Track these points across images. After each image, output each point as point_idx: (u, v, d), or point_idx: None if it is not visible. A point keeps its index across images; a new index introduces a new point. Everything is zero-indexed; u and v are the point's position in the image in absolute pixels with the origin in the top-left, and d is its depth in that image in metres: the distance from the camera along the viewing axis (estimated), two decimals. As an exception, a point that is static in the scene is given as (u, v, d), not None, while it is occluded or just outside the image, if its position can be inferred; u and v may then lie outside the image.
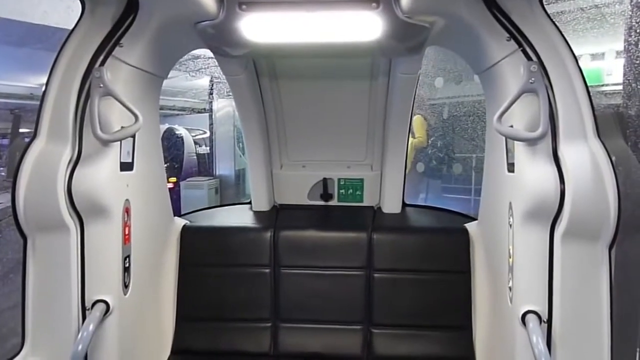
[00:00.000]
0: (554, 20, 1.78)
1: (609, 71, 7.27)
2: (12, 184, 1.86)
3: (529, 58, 1.81)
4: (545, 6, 1.77)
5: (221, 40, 2.11)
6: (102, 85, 1.89)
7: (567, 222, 1.74)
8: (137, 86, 2.13)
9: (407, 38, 2.04)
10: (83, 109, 1.94)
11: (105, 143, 1.97)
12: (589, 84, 1.76)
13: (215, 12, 1.93)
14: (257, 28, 2.01)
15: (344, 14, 1.92)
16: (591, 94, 1.76)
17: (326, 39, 2.09)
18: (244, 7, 1.92)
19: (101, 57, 1.93)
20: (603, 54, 7.26)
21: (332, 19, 1.95)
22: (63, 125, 1.91)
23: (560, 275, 1.78)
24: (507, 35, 1.85)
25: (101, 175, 1.96)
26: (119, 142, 2.02)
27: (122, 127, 1.99)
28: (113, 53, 1.96)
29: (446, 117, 9.28)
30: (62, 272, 1.94)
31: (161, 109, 2.51)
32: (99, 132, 1.89)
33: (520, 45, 1.83)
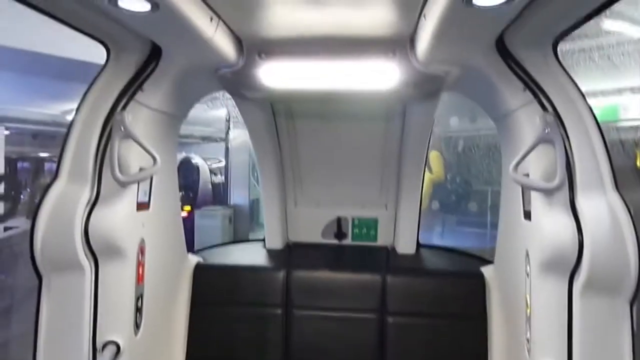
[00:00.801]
0: (568, 71, 1.79)
1: (626, 107, 7.24)
2: (31, 225, 1.89)
3: (544, 108, 1.82)
4: (568, 42, 1.78)
5: (240, 85, 2.16)
6: (122, 128, 1.94)
7: (587, 275, 1.70)
8: (156, 128, 2.17)
9: (423, 86, 2.06)
10: (103, 151, 1.98)
11: (124, 184, 2.00)
12: (606, 120, 1.75)
13: (235, 59, 1.98)
14: (275, 75, 2.06)
15: (360, 63, 1.96)
16: (608, 129, 1.75)
17: (343, 86, 2.12)
18: (263, 55, 1.98)
19: (123, 101, 1.98)
20: (623, 89, 7.23)
21: (349, 68, 1.99)
22: (83, 167, 1.95)
23: (580, 329, 1.73)
24: (523, 85, 1.86)
25: (118, 216, 1.98)
26: (136, 183, 2.06)
27: (140, 169, 2.03)
28: (135, 97, 2.01)
29: (461, 150, 9.26)
30: (75, 312, 1.94)
31: (178, 137, 2.56)
32: (118, 174, 1.93)
33: (535, 95, 1.84)
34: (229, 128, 10.15)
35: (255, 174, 9.74)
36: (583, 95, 1.77)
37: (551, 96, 1.80)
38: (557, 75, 1.80)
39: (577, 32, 1.71)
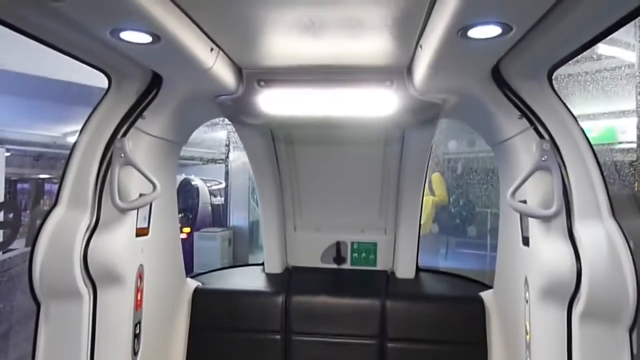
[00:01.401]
0: (564, 100, 1.82)
1: (623, 129, 7.30)
2: (30, 251, 1.89)
3: (541, 136, 1.84)
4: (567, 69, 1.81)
5: (239, 112, 2.19)
6: (123, 155, 1.95)
7: (585, 303, 1.69)
8: (156, 154, 2.19)
9: (420, 113, 2.09)
10: (103, 178, 1.99)
11: (123, 211, 2.00)
12: (604, 142, 1.77)
13: (234, 87, 2.01)
14: (274, 102, 2.09)
15: (358, 91, 1.99)
16: (606, 150, 1.76)
17: (341, 113, 2.16)
18: (262, 83, 2.01)
19: (124, 128, 2.00)
20: (619, 112, 7.31)
21: (347, 95, 2.02)
22: (83, 193, 1.96)
23: (580, 357, 1.72)
24: (519, 113, 1.88)
25: (117, 242, 1.98)
26: (136, 209, 2.06)
27: (140, 195, 2.03)
28: (135, 124, 2.03)
29: (460, 172, 9.28)
30: (72, 339, 1.93)
31: (179, 158, 2.58)
32: (117, 200, 1.93)
33: (532, 123, 1.86)
34: (228, 150, 10.19)
35: (255, 196, 9.75)
36: (578, 123, 1.79)
37: (547, 124, 1.82)
38: (553, 104, 1.83)
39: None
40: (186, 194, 10.23)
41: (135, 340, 2.13)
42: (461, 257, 9.72)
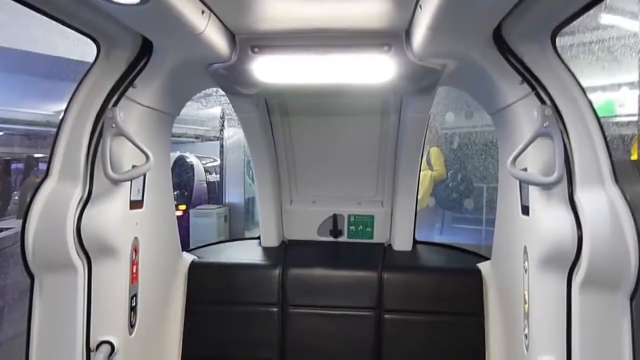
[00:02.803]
0: (567, 63, 1.77)
1: (621, 102, 7.26)
2: (22, 223, 1.85)
3: (542, 101, 1.80)
4: (561, 41, 1.76)
5: (233, 80, 2.13)
6: (114, 125, 1.90)
7: (586, 270, 1.68)
8: (149, 125, 2.14)
9: (419, 80, 2.04)
10: (95, 149, 1.94)
11: (116, 182, 1.96)
12: (601, 116, 1.73)
13: (227, 54, 1.95)
14: (268, 70, 2.02)
15: (355, 56, 1.93)
16: (604, 124, 1.73)
17: (337, 80, 2.09)
18: (256, 49, 1.94)
19: (114, 98, 1.95)
20: (619, 85, 7.25)
21: (343, 62, 1.96)
22: (75, 165, 1.91)
23: (579, 325, 1.72)
24: (520, 78, 1.83)
25: (111, 215, 1.95)
26: (129, 181, 2.02)
27: (133, 166, 1.99)
28: (126, 94, 1.97)
29: (457, 146, 9.25)
30: (67, 312, 1.91)
31: (172, 136, 2.52)
32: (110, 172, 1.89)
33: (533, 88, 1.82)
34: (223, 126, 10.11)
35: (250, 173, 9.74)
36: (582, 88, 1.75)
37: (549, 89, 1.77)
38: (556, 68, 1.77)
39: (573, 26, 1.68)
40: (181, 171, 10.20)
41: (132, 313, 2.11)
42: (456, 232, 9.80)
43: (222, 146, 10.29)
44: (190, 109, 10.08)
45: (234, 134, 10.03)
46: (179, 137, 12.64)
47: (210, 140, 12.07)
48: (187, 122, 11.73)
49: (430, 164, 6.86)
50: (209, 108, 10.22)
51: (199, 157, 11.07)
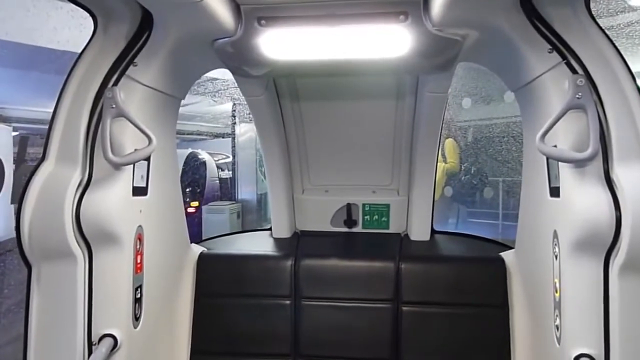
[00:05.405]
0: (604, 29, 1.62)
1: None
2: (17, 209, 1.76)
3: (574, 71, 1.65)
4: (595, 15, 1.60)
5: (240, 58, 2.00)
6: (114, 105, 1.80)
7: (626, 254, 1.53)
8: (151, 107, 2.03)
9: (437, 53, 1.89)
10: (95, 131, 1.84)
11: (117, 166, 1.86)
12: None
13: (233, 28, 1.83)
14: (277, 45, 1.90)
15: (369, 28, 1.79)
16: None
17: (350, 55, 1.95)
18: (263, 22, 1.82)
19: (114, 77, 1.84)
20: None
21: (356, 34, 1.83)
22: (73, 147, 1.82)
23: (619, 314, 1.57)
24: (549, 46, 1.68)
25: (112, 201, 1.85)
26: (132, 166, 1.91)
27: (135, 150, 1.89)
28: (127, 72, 1.87)
29: (472, 140, 9.06)
30: (67, 304, 1.81)
31: (185, 133, 2.42)
32: (110, 154, 1.79)
33: (564, 57, 1.67)
34: (234, 123, 10.08)
35: (262, 169, 9.67)
36: (620, 54, 1.59)
37: (582, 57, 1.62)
38: (590, 33, 1.62)
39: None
40: (193, 168, 10.19)
41: (137, 305, 2.01)
42: (472, 226, 9.60)
43: (234, 143, 10.26)
44: (202, 106, 10.06)
45: (245, 132, 9.99)
46: (191, 134, 12.65)
47: (223, 137, 12.06)
48: (199, 120, 11.71)
49: (444, 156, 6.70)
50: (220, 104, 10.20)
51: (211, 154, 11.05)
